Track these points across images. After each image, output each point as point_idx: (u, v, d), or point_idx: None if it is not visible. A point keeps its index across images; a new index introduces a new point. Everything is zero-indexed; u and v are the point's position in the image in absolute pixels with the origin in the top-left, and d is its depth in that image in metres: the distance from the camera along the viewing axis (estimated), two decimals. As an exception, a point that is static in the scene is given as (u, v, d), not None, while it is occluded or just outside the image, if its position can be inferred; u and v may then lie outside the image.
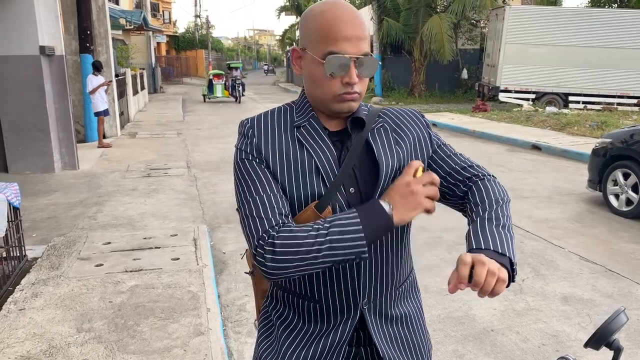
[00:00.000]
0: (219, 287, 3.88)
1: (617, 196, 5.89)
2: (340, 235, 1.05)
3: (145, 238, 4.75)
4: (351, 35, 1.10)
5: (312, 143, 1.17)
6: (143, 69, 21.51)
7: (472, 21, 21.31)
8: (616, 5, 21.51)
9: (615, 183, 5.91)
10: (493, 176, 1.25)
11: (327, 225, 1.07)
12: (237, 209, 1.19)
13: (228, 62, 27.35)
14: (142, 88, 19.37)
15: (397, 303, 1.27)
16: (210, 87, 21.01)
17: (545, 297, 3.75)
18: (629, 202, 5.74)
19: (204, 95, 21.41)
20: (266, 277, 1.11)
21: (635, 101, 15.80)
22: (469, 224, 1.14)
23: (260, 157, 1.17)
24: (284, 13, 34.08)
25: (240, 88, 20.64)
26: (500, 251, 1.02)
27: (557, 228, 5.31)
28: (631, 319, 3.36)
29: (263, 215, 1.11)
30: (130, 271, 3.95)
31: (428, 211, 1.09)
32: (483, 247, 1.03)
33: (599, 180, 6.12)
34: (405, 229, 1.25)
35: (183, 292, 3.60)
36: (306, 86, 1.21)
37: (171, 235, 4.84)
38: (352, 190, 1.17)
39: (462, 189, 1.23)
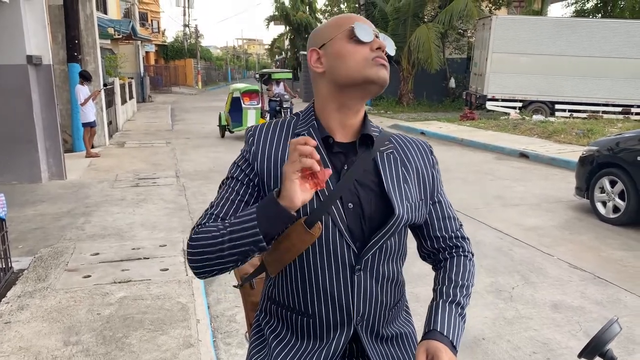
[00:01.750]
0: (209, 298, 3.85)
1: (604, 203, 5.95)
2: (238, 227, 1.07)
3: (133, 249, 4.71)
4: (365, 21, 1.19)
5: None
6: (132, 78, 21.39)
7: (460, 31, 21.55)
8: (600, 15, 21.88)
9: (603, 190, 5.97)
10: (472, 253, 1.35)
11: (228, 222, 1.10)
12: None
13: (264, 70, 16.73)
14: (131, 97, 19.29)
15: (390, 323, 1.27)
16: (235, 112, 12.23)
17: (536, 304, 3.77)
18: (616, 209, 5.80)
19: (223, 127, 12.49)
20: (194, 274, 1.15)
21: (620, 109, 16.04)
22: (435, 292, 1.27)
23: (255, 165, 1.17)
24: (272, 22, 34.22)
25: (289, 113, 11.64)
26: (454, 344, 1.15)
27: (546, 235, 5.35)
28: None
29: (206, 218, 1.17)
30: (119, 282, 3.91)
31: (317, 185, 1.02)
32: (444, 334, 1.15)
33: (586, 187, 6.18)
34: (400, 247, 1.24)
35: (172, 303, 3.56)
36: (333, 74, 1.15)
37: (160, 246, 4.79)
38: (350, 205, 1.14)
39: (444, 255, 1.33)
